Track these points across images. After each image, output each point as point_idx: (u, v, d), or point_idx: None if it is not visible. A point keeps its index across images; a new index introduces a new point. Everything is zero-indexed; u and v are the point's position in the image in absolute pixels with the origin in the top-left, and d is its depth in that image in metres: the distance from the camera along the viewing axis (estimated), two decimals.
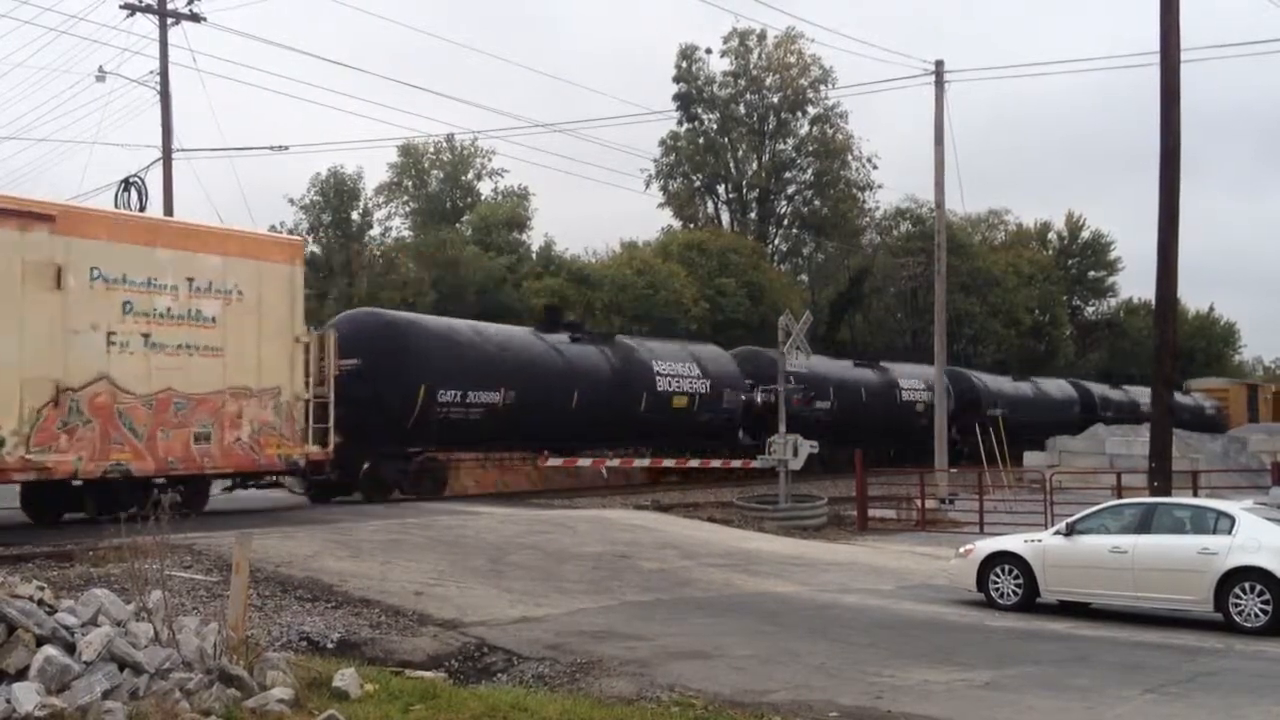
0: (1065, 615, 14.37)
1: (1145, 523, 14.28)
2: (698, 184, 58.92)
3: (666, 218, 58.57)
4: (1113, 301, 73.86)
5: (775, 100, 57.59)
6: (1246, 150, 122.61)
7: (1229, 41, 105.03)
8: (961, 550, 15.85)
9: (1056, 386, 51.69)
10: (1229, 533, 13.56)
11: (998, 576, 14.97)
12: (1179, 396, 55.56)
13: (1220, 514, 13.95)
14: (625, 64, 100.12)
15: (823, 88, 57.21)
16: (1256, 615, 13.07)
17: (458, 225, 46.45)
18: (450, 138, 49.77)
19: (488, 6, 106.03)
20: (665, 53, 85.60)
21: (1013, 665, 11.08)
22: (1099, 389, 54.11)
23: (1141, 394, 55.71)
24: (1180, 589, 13.70)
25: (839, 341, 51.63)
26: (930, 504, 26.11)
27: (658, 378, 30.46)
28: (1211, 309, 79.73)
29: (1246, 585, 13.18)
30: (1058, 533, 15.00)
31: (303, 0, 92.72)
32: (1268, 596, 13.03)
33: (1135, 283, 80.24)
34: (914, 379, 41.80)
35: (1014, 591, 14.81)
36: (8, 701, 7.17)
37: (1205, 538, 13.71)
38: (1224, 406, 59.13)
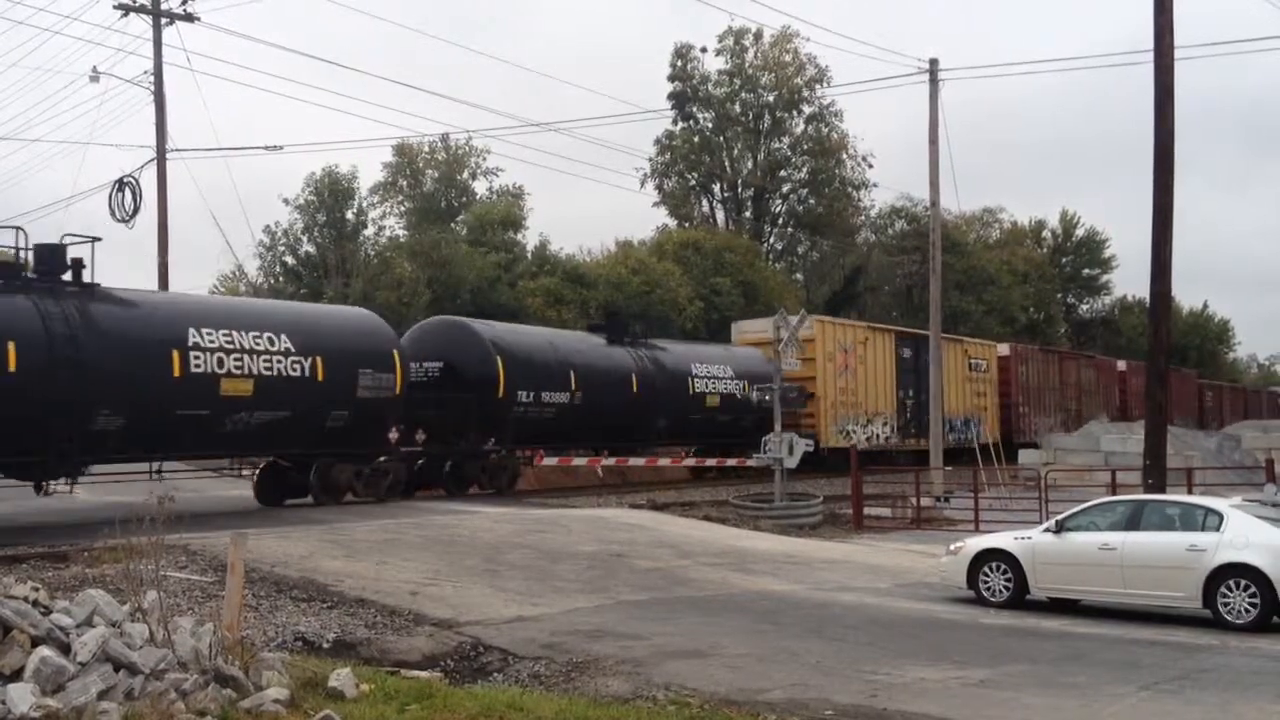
0: (1057, 612, 14.41)
1: (1134, 520, 14.32)
2: (693, 183, 58.84)
3: (662, 216, 58.54)
4: (1107, 299, 73.85)
5: (770, 99, 57.49)
6: (1233, 146, 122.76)
7: (1218, 40, 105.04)
8: (952, 548, 15.88)
9: None
10: (1217, 530, 13.59)
11: (988, 574, 15.01)
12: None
13: (1209, 511, 13.98)
14: (620, 63, 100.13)
15: (818, 86, 57.22)
16: (1244, 612, 13.12)
17: (453, 225, 46.37)
18: (445, 137, 49.72)
19: (484, 5, 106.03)
20: (660, 51, 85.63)
21: (1008, 663, 11.12)
22: None
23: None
24: (1168, 586, 13.74)
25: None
26: (925, 502, 26.11)
27: (198, 352, 19.18)
28: (1205, 306, 79.75)
29: (1234, 582, 13.24)
30: (1047, 530, 15.03)
31: (296, 0, 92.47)
32: (1255, 593, 13.09)
33: (1130, 280, 80.00)
34: (714, 363, 31.60)
35: (1004, 589, 14.84)
36: (3, 703, 7.19)
37: (1194, 535, 13.75)
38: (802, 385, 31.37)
